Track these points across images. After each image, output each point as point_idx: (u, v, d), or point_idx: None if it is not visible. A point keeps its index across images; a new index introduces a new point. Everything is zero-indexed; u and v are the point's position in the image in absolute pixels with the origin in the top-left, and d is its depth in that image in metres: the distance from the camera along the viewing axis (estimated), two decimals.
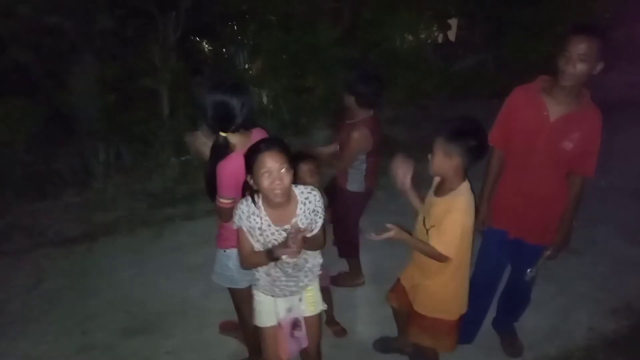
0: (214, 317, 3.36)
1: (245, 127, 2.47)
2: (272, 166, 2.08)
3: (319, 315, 2.60)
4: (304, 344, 2.55)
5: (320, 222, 2.32)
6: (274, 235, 2.24)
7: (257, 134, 2.56)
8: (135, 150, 5.87)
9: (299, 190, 2.26)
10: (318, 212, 2.29)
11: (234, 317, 2.96)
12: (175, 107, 6.47)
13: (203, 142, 2.55)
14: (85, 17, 6.04)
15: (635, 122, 6.76)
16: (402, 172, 2.55)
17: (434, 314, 2.56)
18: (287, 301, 2.48)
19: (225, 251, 2.66)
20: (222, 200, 2.43)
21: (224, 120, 2.40)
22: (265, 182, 2.09)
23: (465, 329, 3.12)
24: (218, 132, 2.41)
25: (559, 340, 3.29)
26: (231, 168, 2.36)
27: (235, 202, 2.34)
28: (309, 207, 2.26)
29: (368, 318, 3.47)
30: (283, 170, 2.10)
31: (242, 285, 2.70)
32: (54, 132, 5.91)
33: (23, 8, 5.63)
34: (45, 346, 3.29)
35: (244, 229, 2.24)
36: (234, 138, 2.42)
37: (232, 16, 7.73)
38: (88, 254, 4.33)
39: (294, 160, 2.97)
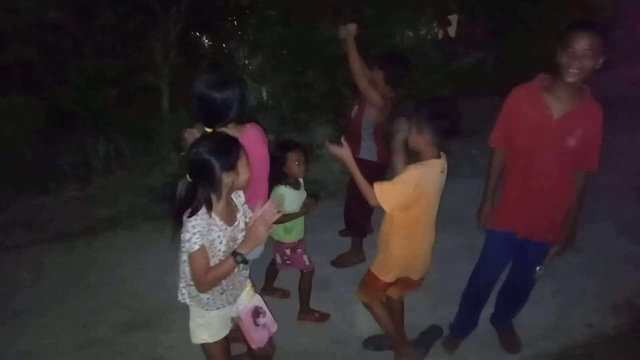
0: None
1: (237, 121, 2.47)
2: None
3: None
4: (273, 328, 2.48)
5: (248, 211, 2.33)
6: (230, 237, 2.16)
7: (251, 129, 2.56)
8: (135, 145, 5.87)
9: None
10: (244, 202, 2.34)
11: None
12: (176, 102, 6.48)
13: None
14: (87, 13, 6.04)
15: (636, 119, 6.76)
16: (401, 131, 2.66)
17: (375, 270, 2.77)
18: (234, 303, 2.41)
19: None
20: None
21: (209, 116, 2.42)
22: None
23: (462, 322, 3.16)
24: (204, 127, 2.43)
25: (558, 337, 3.30)
26: None
27: None
28: (240, 199, 2.31)
29: (368, 314, 3.45)
30: None
31: None
32: (56, 127, 5.92)
33: (25, 4, 5.63)
34: (46, 341, 3.30)
35: (206, 245, 2.06)
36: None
37: (232, 11, 7.73)
38: (89, 249, 4.34)
39: (282, 149, 3.02)
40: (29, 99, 5.71)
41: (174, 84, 6.51)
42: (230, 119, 2.43)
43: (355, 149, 3.62)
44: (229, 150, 2.05)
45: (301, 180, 3.19)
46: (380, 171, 3.70)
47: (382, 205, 2.48)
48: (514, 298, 3.14)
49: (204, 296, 2.23)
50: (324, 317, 3.44)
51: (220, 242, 2.11)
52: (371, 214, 3.88)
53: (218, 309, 2.30)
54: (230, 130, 2.43)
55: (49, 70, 6.10)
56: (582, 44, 2.29)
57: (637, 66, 8.82)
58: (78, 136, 5.89)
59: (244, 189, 2.26)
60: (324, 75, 7.19)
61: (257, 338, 2.42)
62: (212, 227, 2.08)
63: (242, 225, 2.23)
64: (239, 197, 2.30)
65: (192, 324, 2.35)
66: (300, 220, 3.20)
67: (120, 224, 4.69)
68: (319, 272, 3.55)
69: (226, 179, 2.05)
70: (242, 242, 2.11)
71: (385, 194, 2.47)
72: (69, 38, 6.17)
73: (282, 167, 3.04)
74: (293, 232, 3.17)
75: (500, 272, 3.01)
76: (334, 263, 4.01)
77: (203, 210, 2.04)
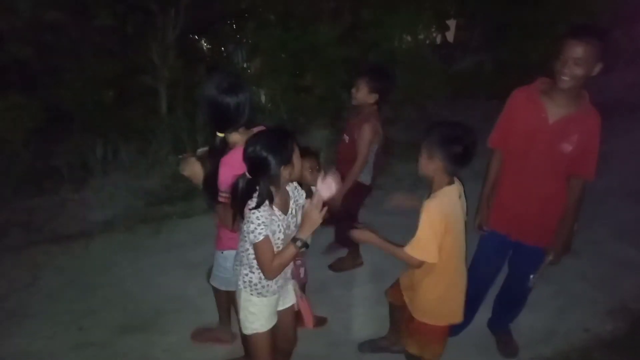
0: (211, 315, 3.35)
1: (246, 126, 2.44)
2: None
3: None
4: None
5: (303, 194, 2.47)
6: (286, 225, 2.27)
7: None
8: (133, 147, 5.86)
9: None
10: (296, 186, 2.43)
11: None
12: (173, 104, 6.48)
13: (195, 164, 2.55)
14: (85, 13, 6.03)
15: (634, 122, 6.77)
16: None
17: (420, 318, 2.55)
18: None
19: (222, 252, 2.65)
20: (225, 195, 2.40)
21: (220, 121, 2.40)
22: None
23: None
24: (215, 132, 2.41)
25: (555, 341, 3.30)
26: (234, 162, 2.32)
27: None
28: (291, 186, 2.39)
29: (365, 317, 3.47)
30: None
31: None
32: (53, 128, 5.91)
33: (23, 4, 5.62)
34: (41, 342, 3.28)
35: (269, 234, 2.16)
36: (234, 136, 2.41)
37: (231, 14, 7.74)
38: (85, 251, 4.33)
39: None
40: (26, 99, 5.68)
41: (172, 87, 6.51)
42: (241, 124, 2.41)
43: (348, 171, 3.45)
44: (285, 145, 2.15)
45: (313, 188, 3.11)
46: (367, 194, 3.67)
47: (428, 260, 2.32)
48: (510, 304, 3.14)
49: (264, 282, 2.32)
50: (321, 321, 3.41)
51: (280, 231, 2.23)
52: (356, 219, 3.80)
53: (274, 295, 2.39)
54: (241, 135, 2.41)
55: (47, 71, 6.09)
56: (573, 52, 2.30)
57: (636, 69, 8.82)
58: (75, 137, 5.87)
59: (299, 179, 2.40)
60: (322, 79, 7.20)
61: (310, 320, 2.63)
62: (273, 217, 2.19)
63: (293, 212, 2.34)
64: (290, 184, 2.39)
65: (242, 315, 2.40)
66: None
67: (117, 226, 4.68)
68: (316, 275, 3.55)
69: (284, 172, 2.16)
70: (300, 228, 2.23)
71: (424, 249, 2.31)
72: (67, 38, 6.16)
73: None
74: None
75: (493, 274, 3.01)
76: (331, 267, 4.00)
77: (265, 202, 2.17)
